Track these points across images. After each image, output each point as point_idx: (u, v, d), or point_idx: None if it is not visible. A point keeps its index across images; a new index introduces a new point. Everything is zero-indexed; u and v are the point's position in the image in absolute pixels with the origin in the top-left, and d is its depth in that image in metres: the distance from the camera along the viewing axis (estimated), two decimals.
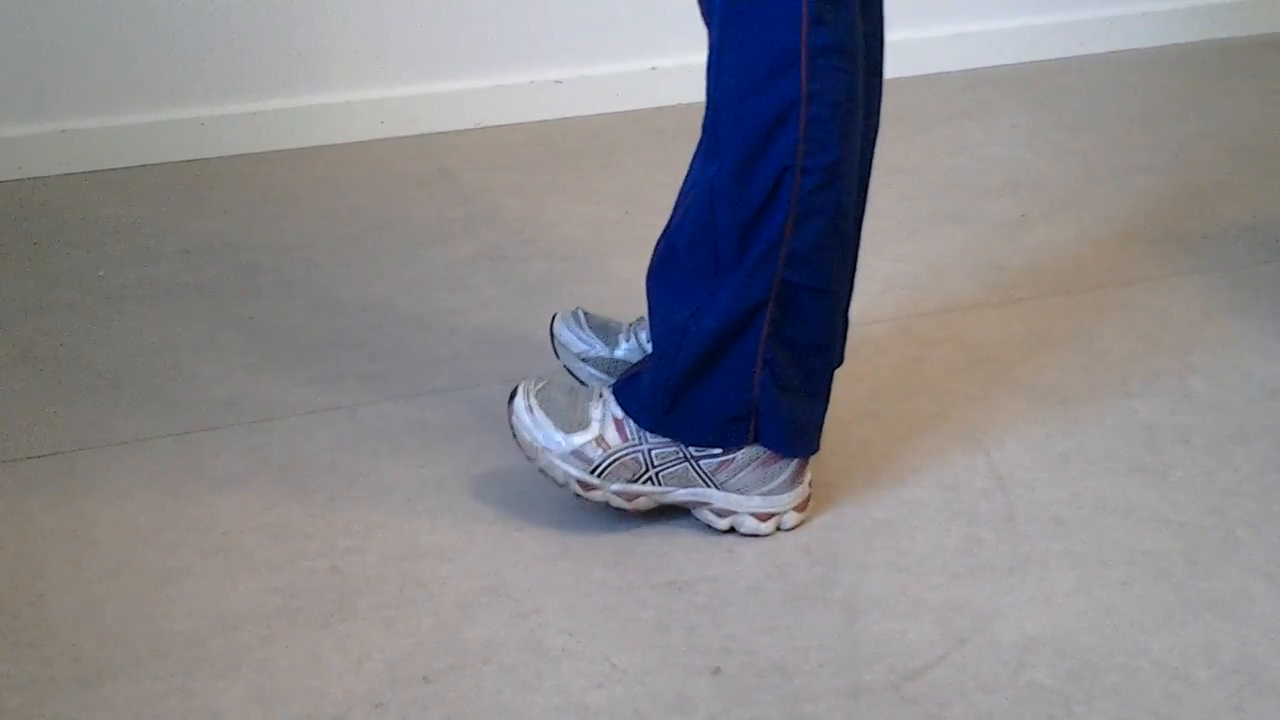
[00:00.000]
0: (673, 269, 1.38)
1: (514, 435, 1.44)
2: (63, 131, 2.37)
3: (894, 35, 2.76)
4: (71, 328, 1.88)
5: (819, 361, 1.40)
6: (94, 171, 2.38)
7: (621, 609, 1.34)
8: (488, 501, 1.49)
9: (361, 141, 2.50)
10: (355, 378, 1.75)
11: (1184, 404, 1.66)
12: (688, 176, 1.39)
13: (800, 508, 1.44)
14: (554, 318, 1.66)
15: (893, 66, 2.76)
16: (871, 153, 1.46)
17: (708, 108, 1.33)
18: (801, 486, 1.44)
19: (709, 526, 1.44)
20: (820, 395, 1.42)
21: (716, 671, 1.27)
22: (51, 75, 2.35)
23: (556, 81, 2.56)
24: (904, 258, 2.03)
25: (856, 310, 1.86)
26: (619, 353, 1.63)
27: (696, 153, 1.37)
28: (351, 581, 1.38)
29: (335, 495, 1.52)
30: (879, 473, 1.54)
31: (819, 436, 1.44)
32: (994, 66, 2.84)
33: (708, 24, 1.33)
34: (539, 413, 1.42)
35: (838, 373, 1.43)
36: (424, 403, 1.69)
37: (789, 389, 1.38)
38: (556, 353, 1.66)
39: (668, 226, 1.40)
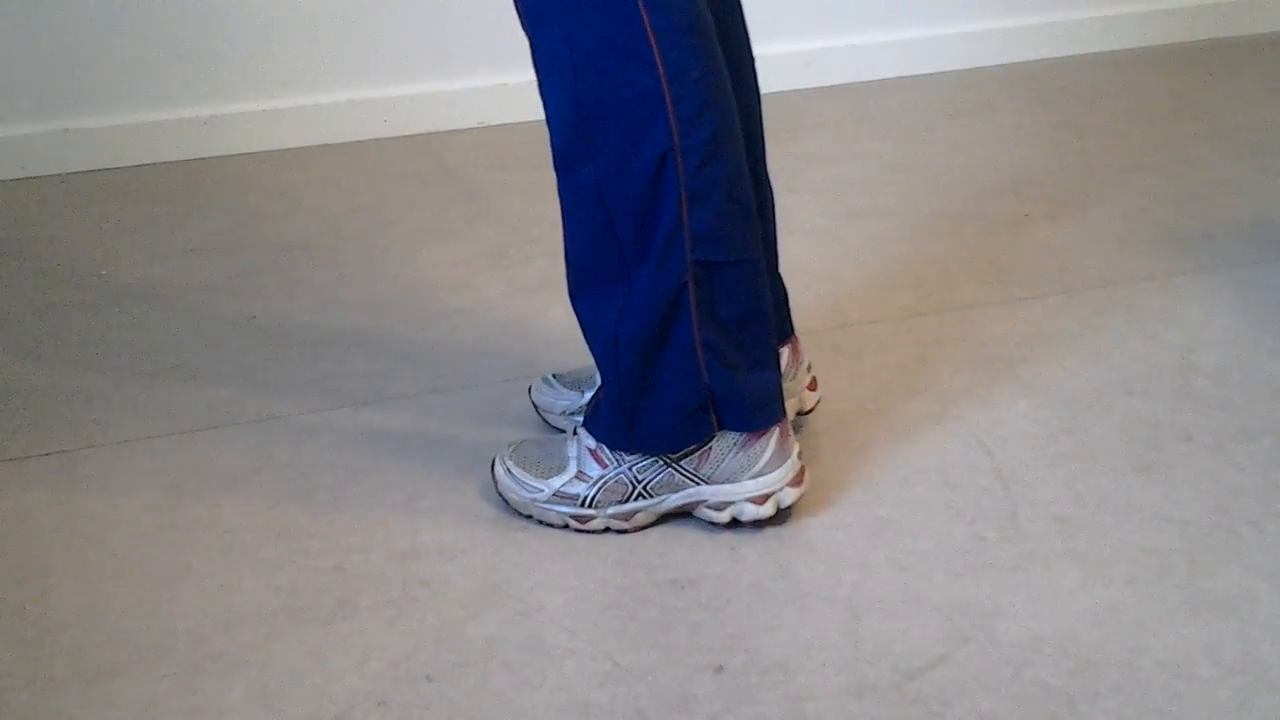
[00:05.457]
0: (586, 284, 1.38)
1: (506, 501, 1.47)
2: (65, 131, 2.37)
3: (897, 35, 2.78)
4: (74, 326, 1.88)
5: (756, 331, 1.39)
6: (96, 171, 2.38)
7: (624, 607, 1.34)
8: (490, 500, 1.49)
9: (364, 140, 2.51)
10: (358, 377, 1.75)
11: (1186, 403, 1.66)
12: (559, 192, 1.37)
13: (795, 482, 1.43)
14: (529, 390, 1.65)
15: (895, 65, 2.79)
16: (759, 116, 1.46)
17: (551, 116, 1.33)
18: (790, 460, 1.43)
19: (712, 524, 1.44)
20: (767, 363, 1.41)
21: (719, 670, 1.27)
22: (54, 75, 2.35)
23: None
24: (906, 257, 2.03)
25: (859, 309, 1.86)
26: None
27: (556, 166, 1.36)
28: (354, 580, 1.39)
29: (338, 494, 1.52)
30: (881, 471, 1.54)
31: (781, 402, 1.43)
32: (996, 65, 2.84)
33: (529, 32, 1.32)
34: (516, 471, 1.46)
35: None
36: (426, 402, 1.69)
37: (735, 365, 1.38)
38: (544, 420, 1.64)
39: (565, 248, 1.39)
